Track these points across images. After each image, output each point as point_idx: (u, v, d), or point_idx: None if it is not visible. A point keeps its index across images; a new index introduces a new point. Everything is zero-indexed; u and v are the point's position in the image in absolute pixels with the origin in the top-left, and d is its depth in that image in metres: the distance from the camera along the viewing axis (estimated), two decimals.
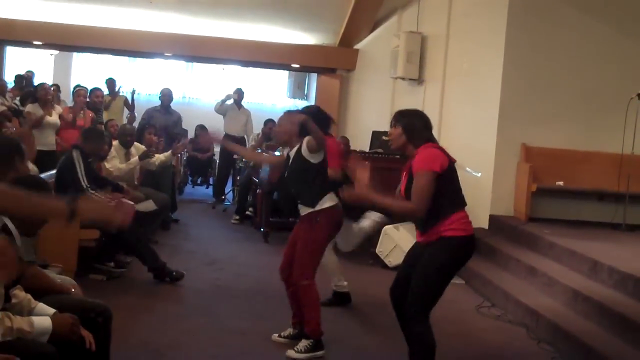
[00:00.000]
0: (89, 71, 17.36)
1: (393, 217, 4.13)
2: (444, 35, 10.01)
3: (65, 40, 13.72)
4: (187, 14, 12.82)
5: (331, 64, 13.63)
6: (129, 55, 15.90)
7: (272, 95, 17.58)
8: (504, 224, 8.52)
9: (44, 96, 9.21)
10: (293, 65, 14.39)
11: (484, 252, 8.13)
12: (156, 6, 12.30)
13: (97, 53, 15.75)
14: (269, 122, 11.35)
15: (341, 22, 12.53)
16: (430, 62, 10.47)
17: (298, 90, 16.79)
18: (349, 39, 13.04)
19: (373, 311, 6.58)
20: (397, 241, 8.31)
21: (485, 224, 8.84)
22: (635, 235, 8.03)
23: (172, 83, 16.70)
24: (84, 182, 7.04)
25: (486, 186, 8.87)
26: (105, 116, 12.00)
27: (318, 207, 5.19)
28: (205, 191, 13.80)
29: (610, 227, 8.32)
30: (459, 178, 4.59)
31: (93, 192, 6.96)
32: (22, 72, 13.94)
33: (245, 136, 12.45)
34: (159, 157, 9.07)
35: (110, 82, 12.97)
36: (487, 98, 9.02)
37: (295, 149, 5.31)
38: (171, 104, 11.46)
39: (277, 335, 5.50)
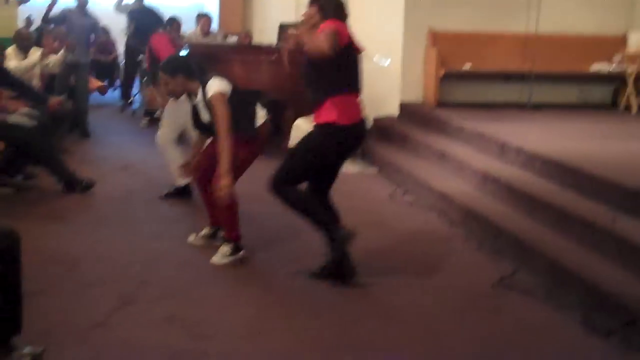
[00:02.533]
0: None
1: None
2: None
3: None
4: None
5: None
6: None
7: None
8: (414, 111, 8.59)
9: None
10: None
11: (395, 139, 8.22)
12: None
13: None
14: (173, 22, 10.97)
15: None
16: None
17: None
18: None
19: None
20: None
21: (395, 112, 8.89)
22: (540, 114, 8.21)
23: None
24: None
25: (395, 74, 8.87)
26: None
27: None
28: (112, 94, 13.46)
29: (517, 107, 8.47)
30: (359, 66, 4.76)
31: None
32: None
33: None
34: (53, 59, 8.80)
35: None
36: None
37: (200, 97, 5.08)
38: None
39: (193, 236, 5.48)
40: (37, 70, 8.61)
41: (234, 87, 5.09)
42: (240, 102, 5.07)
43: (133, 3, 11.90)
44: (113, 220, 6.03)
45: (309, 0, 4.66)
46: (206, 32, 11.26)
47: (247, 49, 10.00)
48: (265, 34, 12.07)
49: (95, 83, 8.99)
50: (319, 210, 4.67)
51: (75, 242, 5.43)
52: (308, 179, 4.72)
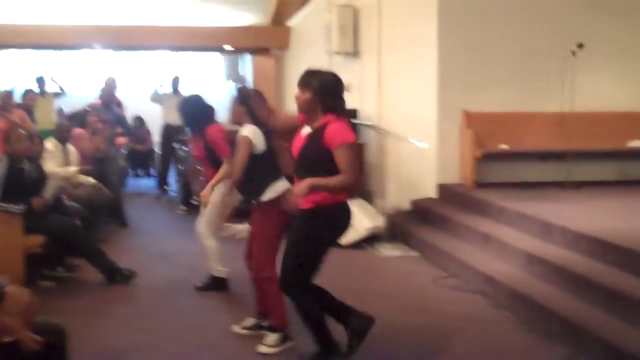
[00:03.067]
0: (16, 69, 16.99)
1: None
2: (375, 5, 9.92)
3: None
4: (113, 1, 12.40)
5: (264, 43, 13.40)
6: (55, 49, 15.48)
7: (209, 78, 17.29)
8: (453, 192, 8.53)
9: None
10: (226, 48, 14.08)
11: (435, 222, 8.16)
12: None
13: (22, 48, 15.27)
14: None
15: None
16: (365, 34, 10.38)
17: (234, 72, 16.52)
18: (280, 17, 12.83)
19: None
20: None
21: (434, 194, 8.85)
22: (581, 192, 8.11)
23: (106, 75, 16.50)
24: None
25: (431, 155, 8.86)
26: (37, 116, 11.76)
27: (265, 199, 5.08)
28: (148, 183, 13.57)
29: (557, 186, 8.38)
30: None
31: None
32: None
33: None
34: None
35: (40, 81, 12.64)
36: (425, 67, 9.00)
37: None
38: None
39: (237, 326, 5.42)
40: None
41: (267, 149, 5.17)
42: (261, 163, 5.14)
43: (168, 95, 12.09)
44: (156, 311, 5.99)
45: (298, 82, 4.45)
46: None
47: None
48: None
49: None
50: (326, 328, 4.57)
51: (118, 334, 5.38)
52: (319, 266, 4.52)
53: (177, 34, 13.15)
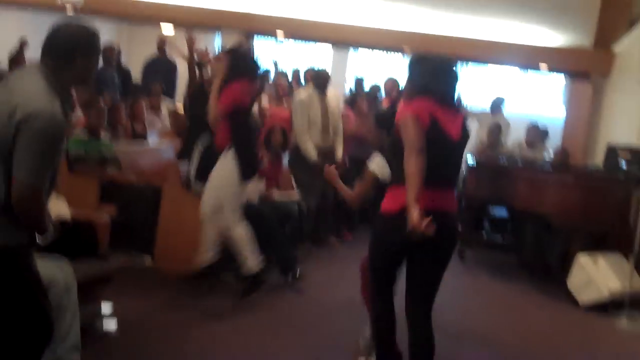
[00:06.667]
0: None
1: None
2: None
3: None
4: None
5: (582, 67, 11.76)
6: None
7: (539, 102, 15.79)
8: None
9: None
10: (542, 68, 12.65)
11: None
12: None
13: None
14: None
15: (594, 18, 10.87)
16: None
17: None
18: (603, 40, 11.25)
19: None
20: (593, 275, 6.86)
21: None
22: None
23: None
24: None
25: None
26: None
27: None
28: None
29: None
30: None
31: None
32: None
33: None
34: None
35: (358, 83, 12.25)
36: None
37: None
38: None
39: None
40: None
41: None
42: None
43: (484, 114, 11.06)
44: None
45: None
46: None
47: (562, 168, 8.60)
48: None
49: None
50: None
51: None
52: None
53: (492, 49, 12.05)
